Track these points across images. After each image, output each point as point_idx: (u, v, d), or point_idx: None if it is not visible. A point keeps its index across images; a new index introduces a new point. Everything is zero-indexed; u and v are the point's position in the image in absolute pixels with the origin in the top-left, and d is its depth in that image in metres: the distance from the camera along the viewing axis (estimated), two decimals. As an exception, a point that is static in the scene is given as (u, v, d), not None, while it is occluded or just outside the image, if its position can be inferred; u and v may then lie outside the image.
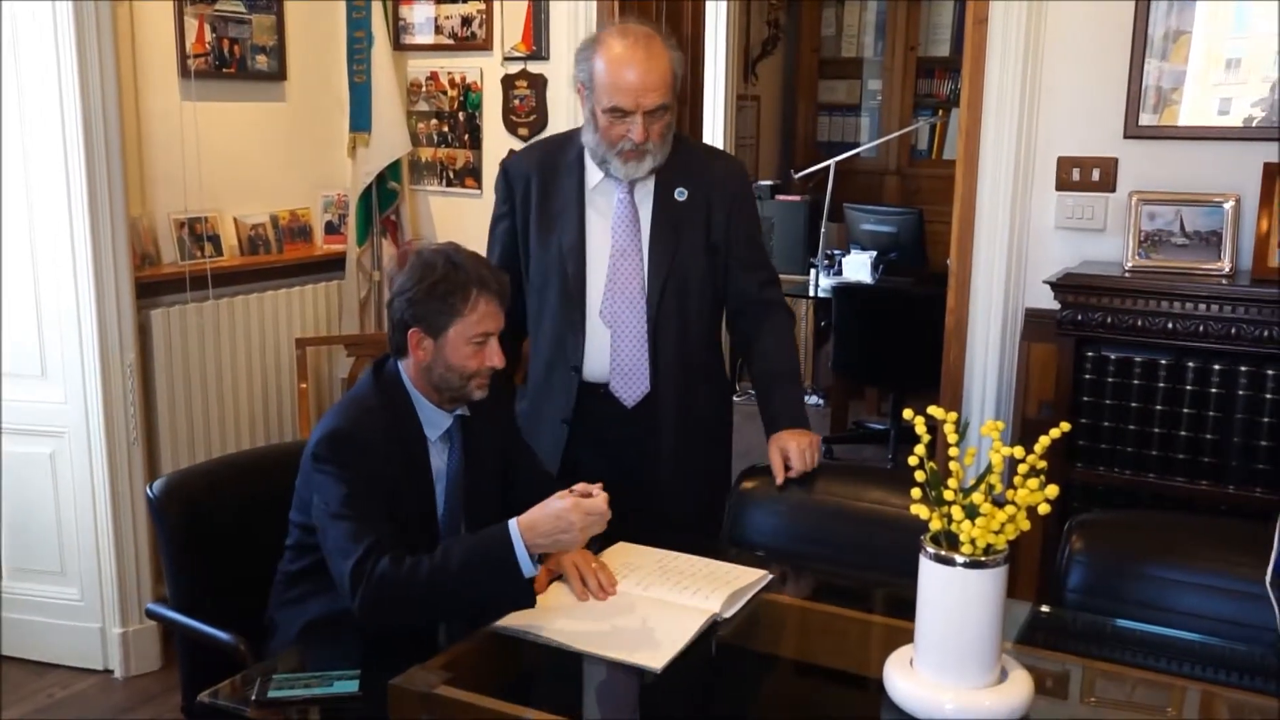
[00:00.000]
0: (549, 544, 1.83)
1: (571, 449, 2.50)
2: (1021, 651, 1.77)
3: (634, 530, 2.18)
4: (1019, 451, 1.56)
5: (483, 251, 2.13)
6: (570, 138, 2.50)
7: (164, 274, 3.51)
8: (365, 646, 1.88)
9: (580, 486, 1.87)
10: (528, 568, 1.82)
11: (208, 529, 2.20)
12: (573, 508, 1.82)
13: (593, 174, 2.44)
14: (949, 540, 1.56)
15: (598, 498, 1.85)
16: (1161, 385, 2.77)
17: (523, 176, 2.52)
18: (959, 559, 1.54)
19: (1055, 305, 2.88)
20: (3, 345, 3.26)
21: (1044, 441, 1.55)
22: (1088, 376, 2.84)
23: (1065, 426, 1.61)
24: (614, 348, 2.44)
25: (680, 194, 2.44)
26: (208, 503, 2.23)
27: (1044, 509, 1.54)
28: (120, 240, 3.19)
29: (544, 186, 2.49)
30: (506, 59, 3.84)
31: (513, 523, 1.84)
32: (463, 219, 4.02)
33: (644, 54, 2.28)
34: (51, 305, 3.20)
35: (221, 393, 3.66)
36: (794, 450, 2.32)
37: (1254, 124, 2.88)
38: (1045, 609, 2.08)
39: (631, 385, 2.46)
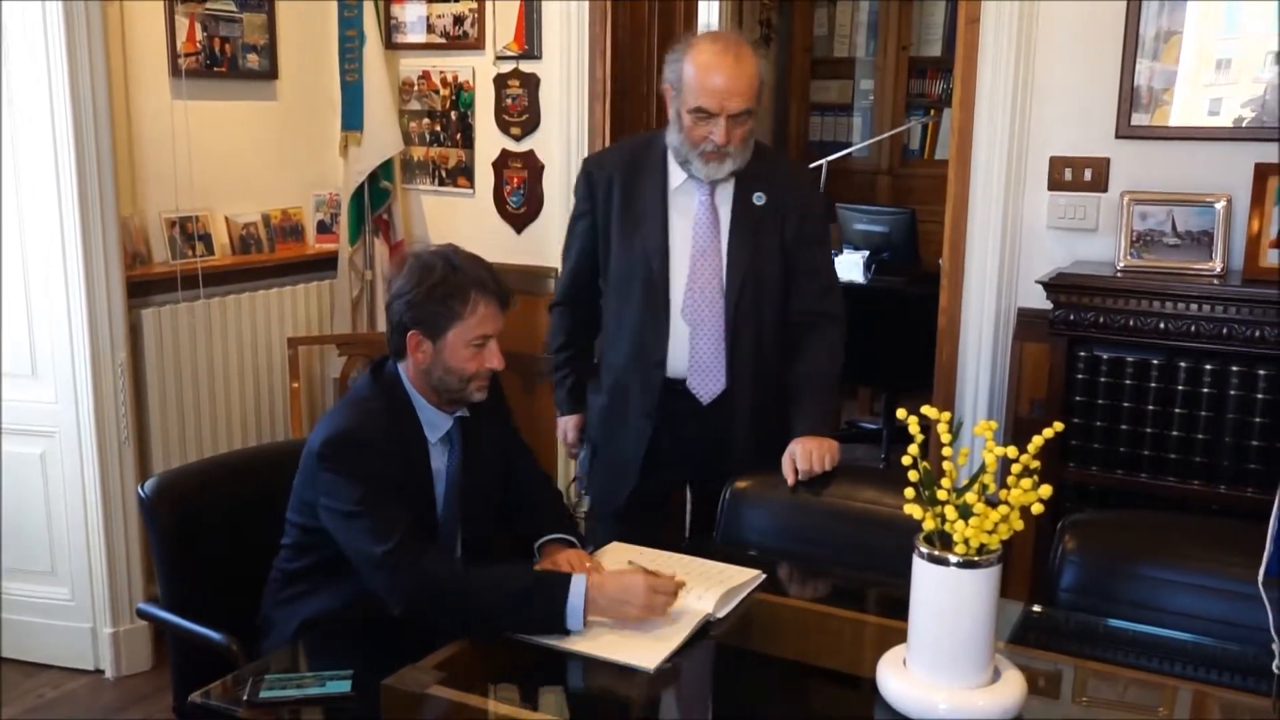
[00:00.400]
0: (609, 607, 1.82)
1: (652, 444, 2.55)
2: (1014, 651, 1.78)
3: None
4: (1013, 451, 1.56)
5: (480, 252, 2.12)
6: (653, 139, 2.56)
7: (155, 273, 3.49)
8: (358, 646, 1.88)
9: (661, 577, 1.88)
10: (574, 622, 1.81)
11: (199, 528, 2.19)
12: (643, 583, 1.83)
13: (675, 175, 2.50)
14: (942, 540, 1.56)
15: (669, 584, 1.86)
16: (1154, 385, 2.78)
17: (605, 177, 2.57)
18: (952, 559, 1.54)
19: (1047, 305, 2.88)
20: (1, 345, 3.24)
21: (1037, 441, 1.55)
22: (1080, 376, 2.85)
23: (1059, 426, 1.61)
24: (693, 345, 2.50)
25: (759, 198, 2.48)
26: (199, 502, 2.22)
27: (1037, 509, 1.55)
28: (111, 239, 3.17)
29: (627, 187, 2.54)
30: (498, 58, 3.83)
31: (581, 576, 1.85)
32: (455, 218, 4.02)
33: (732, 59, 2.34)
34: (42, 305, 3.18)
35: (213, 392, 3.64)
36: (800, 453, 2.33)
37: (1244, 124, 2.88)
38: (1037, 609, 2.09)
39: (708, 382, 2.51)
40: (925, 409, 1.62)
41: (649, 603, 1.81)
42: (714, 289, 2.48)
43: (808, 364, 2.52)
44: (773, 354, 2.54)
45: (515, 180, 3.88)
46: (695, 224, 2.49)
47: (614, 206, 2.55)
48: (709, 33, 2.43)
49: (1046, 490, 1.55)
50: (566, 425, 2.76)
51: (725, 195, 2.50)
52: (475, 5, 3.83)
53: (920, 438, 1.61)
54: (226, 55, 3.69)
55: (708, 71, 2.35)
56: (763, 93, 2.42)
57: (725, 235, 2.49)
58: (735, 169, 2.44)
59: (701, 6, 4.94)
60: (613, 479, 2.63)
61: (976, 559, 1.54)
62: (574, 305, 2.71)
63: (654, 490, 2.62)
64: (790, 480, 2.33)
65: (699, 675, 1.83)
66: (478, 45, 3.86)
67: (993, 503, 1.54)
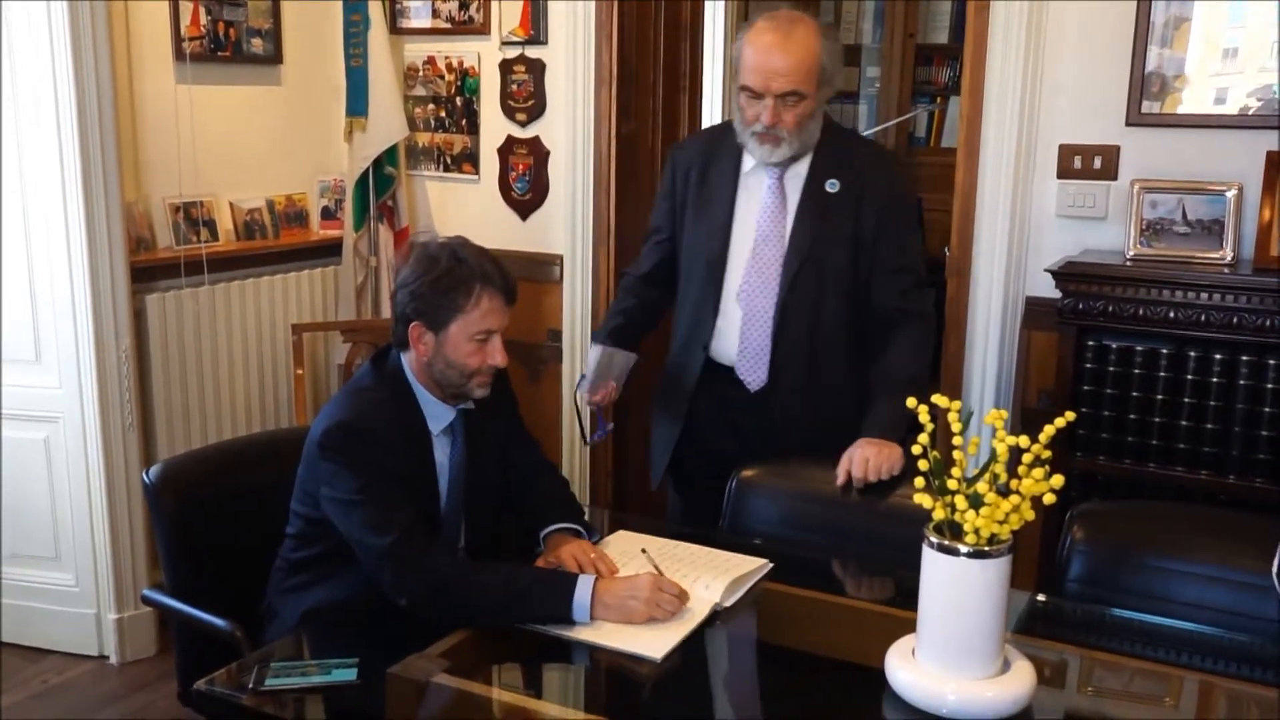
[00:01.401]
0: (616, 604, 1.81)
1: (698, 428, 2.54)
2: (1020, 641, 1.76)
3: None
4: (1024, 441, 1.55)
5: (485, 238, 2.11)
6: (733, 125, 2.52)
7: (159, 259, 3.48)
8: (364, 635, 1.88)
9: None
10: (580, 614, 1.81)
11: (204, 515, 2.19)
12: (650, 582, 1.84)
13: (748, 159, 2.46)
14: (952, 530, 1.55)
15: (675, 586, 1.86)
16: (1163, 375, 2.77)
17: (686, 162, 2.57)
18: (962, 549, 1.53)
19: (1056, 294, 2.87)
20: (2, 331, 3.24)
21: (1049, 431, 1.54)
22: (1089, 365, 2.83)
23: (1070, 416, 1.60)
24: (743, 330, 2.47)
25: (832, 185, 2.42)
26: (204, 489, 2.22)
27: (1049, 499, 1.53)
28: (115, 225, 3.16)
29: (703, 171, 2.53)
30: (504, 43, 3.81)
31: (589, 577, 1.86)
32: (460, 204, 4.00)
33: (781, 38, 2.30)
34: (46, 290, 3.18)
35: (217, 378, 3.64)
36: (858, 458, 2.25)
37: (1250, 113, 2.86)
38: (1043, 599, 2.08)
39: (756, 369, 2.48)
40: (935, 398, 1.61)
41: (654, 599, 1.81)
42: (772, 274, 2.44)
43: (884, 363, 2.43)
44: (833, 346, 2.47)
45: (521, 166, 3.86)
46: (762, 208, 2.45)
47: (690, 190, 2.54)
48: (772, 11, 2.39)
49: (1059, 480, 1.53)
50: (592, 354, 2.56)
51: (796, 180, 2.45)
52: (481, -10, 3.80)
53: (930, 426, 1.59)
54: (231, 39, 3.67)
55: (755, 49, 2.31)
56: (827, 76, 2.35)
57: (791, 221, 2.44)
58: (793, 153, 2.39)
59: (708, -7, 4.92)
60: (656, 456, 2.65)
61: (987, 549, 1.53)
62: (642, 278, 2.66)
63: (706, 473, 2.55)
64: (839, 480, 2.26)
65: (706, 664, 1.83)
66: (483, 30, 3.83)
67: (1004, 492, 1.53)
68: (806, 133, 2.38)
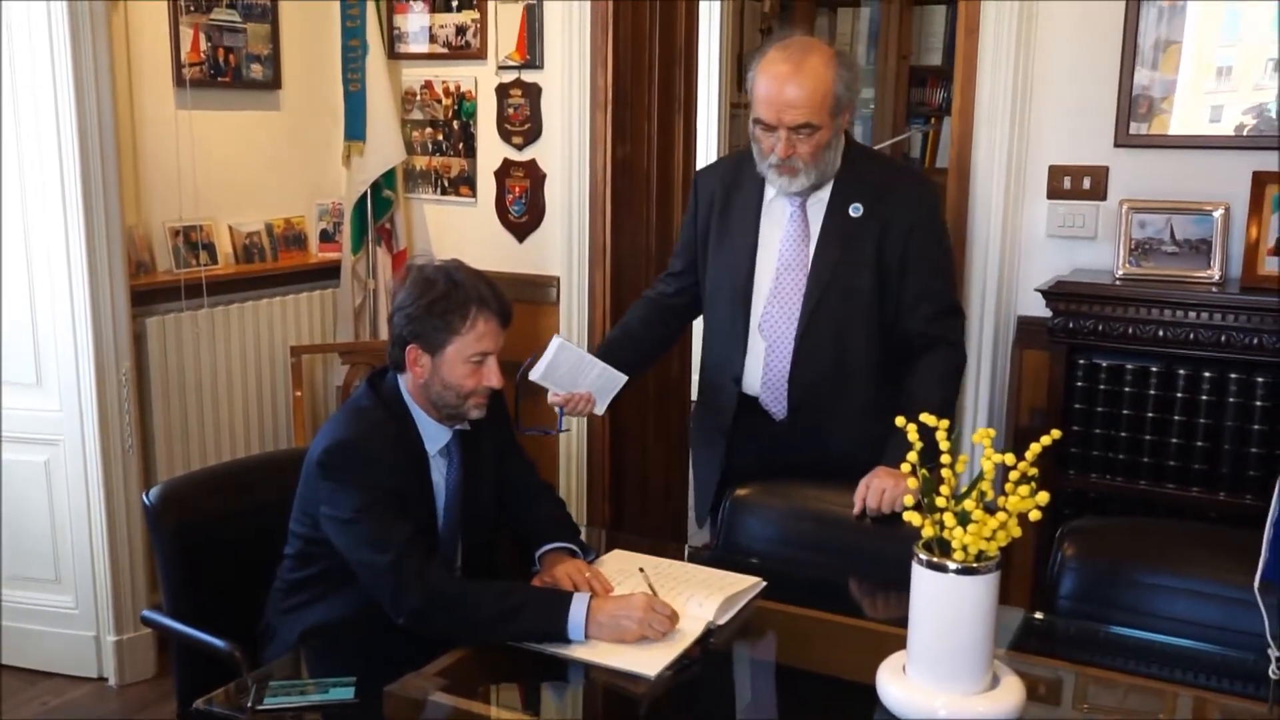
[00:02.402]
0: (609, 623, 1.83)
1: (733, 459, 2.51)
2: (1014, 658, 1.78)
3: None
4: (1010, 458, 1.57)
5: (482, 260, 2.12)
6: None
7: (159, 282, 3.51)
8: (361, 654, 1.89)
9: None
10: (575, 632, 1.83)
11: (203, 536, 2.20)
12: (643, 602, 1.85)
13: (770, 187, 2.42)
14: (941, 547, 1.57)
15: (667, 607, 1.87)
16: (1153, 392, 2.79)
17: (709, 189, 2.53)
18: (951, 565, 1.55)
19: (1047, 313, 2.89)
20: (2, 354, 3.26)
21: (1035, 448, 1.56)
22: (1079, 384, 2.86)
23: (1056, 434, 1.63)
24: (766, 360, 2.42)
25: (855, 210, 2.37)
26: (203, 510, 2.23)
27: (1035, 516, 1.55)
28: (115, 248, 3.19)
29: (726, 198, 2.49)
30: (500, 68, 3.85)
31: (584, 595, 1.88)
32: (457, 227, 4.03)
33: (791, 69, 2.24)
34: (47, 313, 3.20)
35: (217, 400, 3.66)
36: (874, 487, 2.21)
37: (1245, 132, 2.89)
38: (1038, 616, 2.10)
39: (778, 399, 2.44)
40: (924, 416, 1.63)
41: (646, 619, 1.82)
42: (794, 304, 2.39)
43: (908, 391, 2.33)
44: (860, 373, 2.40)
45: (517, 189, 3.89)
46: (784, 236, 2.41)
47: (713, 217, 2.50)
48: (783, 39, 2.33)
49: (1044, 497, 1.55)
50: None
51: (819, 206, 2.39)
52: (477, 15, 3.84)
53: (919, 445, 1.62)
54: (230, 65, 3.71)
55: (767, 81, 2.26)
56: (842, 105, 2.29)
57: (813, 248, 2.39)
58: (813, 184, 2.34)
59: (703, 15, 4.97)
60: (699, 493, 2.62)
61: (975, 566, 1.55)
62: (652, 300, 2.64)
63: None
64: (855, 510, 2.23)
65: (700, 682, 1.84)
66: (480, 55, 3.87)
67: (991, 510, 1.56)
68: (824, 162, 2.33)
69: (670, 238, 4.14)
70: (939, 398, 2.32)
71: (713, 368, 2.55)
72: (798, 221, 2.41)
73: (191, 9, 3.56)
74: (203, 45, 3.62)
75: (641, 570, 2.04)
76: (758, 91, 2.28)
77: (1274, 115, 2.85)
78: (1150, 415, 2.80)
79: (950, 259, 2.51)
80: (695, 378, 4.60)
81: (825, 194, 2.39)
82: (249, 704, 1.67)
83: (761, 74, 2.28)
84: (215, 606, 2.15)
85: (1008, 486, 1.56)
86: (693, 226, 2.57)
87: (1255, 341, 2.67)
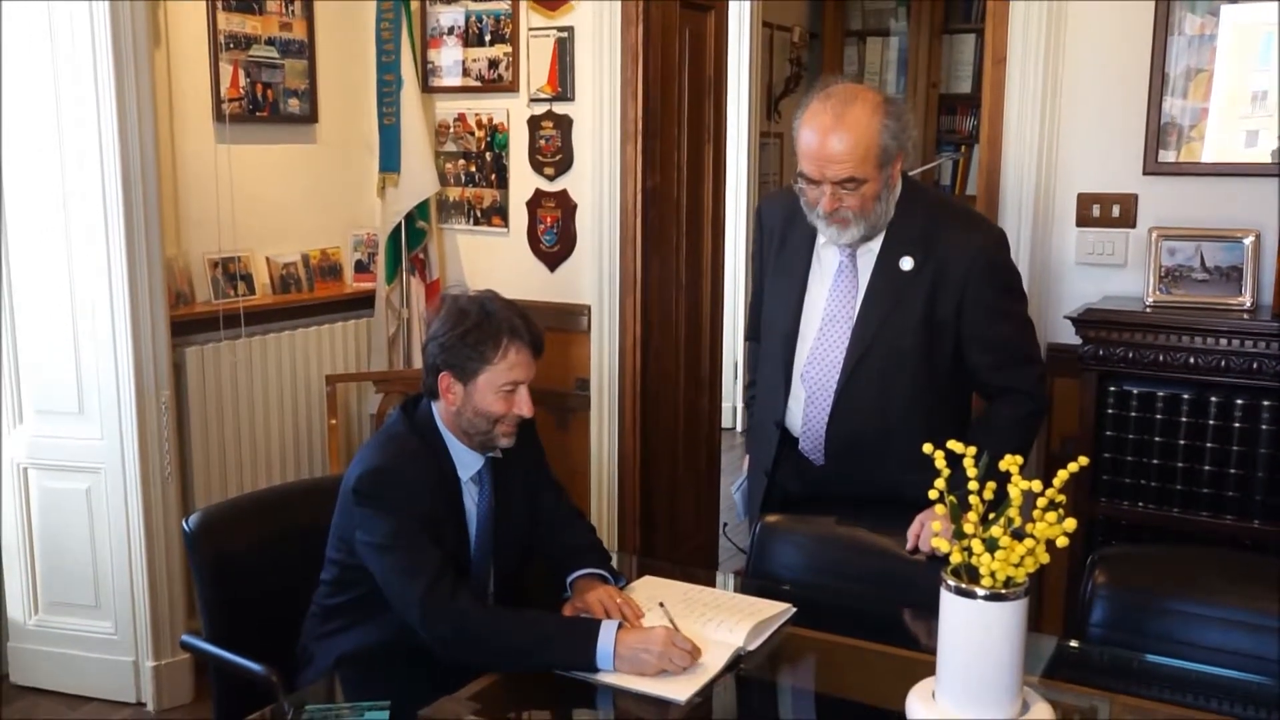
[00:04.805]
0: (629, 655, 1.84)
1: (775, 495, 2.49)
2: (1047, 686, 1.78)
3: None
4: (1037, 485, 1.58)
5: (514, 289, 2.15)
6: None
7: (198, 313, 3.57)
8: (396, 678, 1.91)
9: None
10: (604, 661, 1.85)
11: (241, 562, 2.24)
12: (664, 636, 1.86)
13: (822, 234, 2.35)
14: (969, 573, 1.58)
15: (688, 642, 1.87)
16: (1184, 420, 2.78)
17: (770, 220, 2.49)
18: (979, 592, 1.56)
19: (1077, 341, 2.90)
20: (41, 383, 3.33)
21: (1062, 475, 1.57)
22: (1110, 411, 2.85)
23: (1084, 460, 1.63)
24: (806, 409, 2.38)
25: (906, 263, 2.26)
26: (241, 536, 2.27)
27: (1062, 542, 1.56)
28: (156, 280, 3.26)
29: (784, 234, 2.43)
30: (532, 100, 3.90)
31: (612, 623, 1.89)
32: (489, 257, 4.08)
33: (832, 121, 2.14)
34: (89, 343, 3.27)
35: (254, 428, 3.72)
36: (928, 528, 2.14)
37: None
38: (1073, 643, 2.09)
39: (817, 447, 2.40)
40: (952, 443, 1.64)
41: (666, 653, 1.83)
42: (836, 356, 2.31)
43: (970, 438, 2.15)
44: (905, 426, 2.28)
45: (549, 219, 3.94)
46: (832, 287, 2.33)
47: (772, 249, 2.46)
48: (827, 87, 2.20)
49: (1071, 524, 1.56)
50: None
51: (869, 257, 2.29)
52: (510, 49, 3.91)
53: (947, 472, 1.63)
54: (268, 100, 3.79)
55: (810, 133, 2.16)
56: (890, 155, 2.17)
57: (859, 303, 2.30)
58: (865, 235, 2.24)
59: (732, 46, 5.02)
60: (752, 497, 2.60)
61: (1003, 592, 1.56)
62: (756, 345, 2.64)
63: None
64: (909, 546, 2.20)
65: (730, 708, 1.85)
66: (512, 88, 3.93)
67: (1019, 536, 1.56)
68: (875, 214, 2.22)
69: (700, 267, 4.17)
70: (1003, 447, 2.18)
71: (760, 404, 2.54)
72: (847, 273, 2.32)
73: (231, 46, 3.65)
74: (242, 81, 3.70)
75: (661, 605, 2.04)
76: (800, 144, 2.19)
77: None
78: (1182, 443, 2.79)
79: (1021, 305, 2.38)
80: (725, 406, 4.65)
81: (876, 244, 2.28)
82: (286, 727, 1.70)
83: (804, 126, 2.18)
84: (252, 631, 2.18)
85: (1035, 513, 1.57)
86: (759, 257, 2.53)
87: (1287, 368, 2.66)
